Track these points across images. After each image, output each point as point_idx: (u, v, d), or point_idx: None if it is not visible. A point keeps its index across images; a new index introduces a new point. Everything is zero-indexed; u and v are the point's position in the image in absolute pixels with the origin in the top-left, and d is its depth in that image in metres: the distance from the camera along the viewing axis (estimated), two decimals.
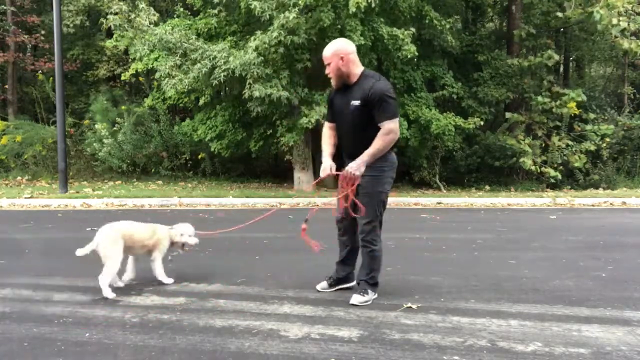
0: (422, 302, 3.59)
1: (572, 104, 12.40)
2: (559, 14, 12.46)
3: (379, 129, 3.45)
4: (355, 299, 3.54)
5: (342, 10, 9.71)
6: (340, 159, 3.72)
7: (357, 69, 3.53)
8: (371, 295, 3.60)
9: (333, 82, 3.60)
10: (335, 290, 3.82)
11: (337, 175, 3.58)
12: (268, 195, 10.40)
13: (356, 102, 3.46)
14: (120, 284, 3.94)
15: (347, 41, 3.65)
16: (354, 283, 3.82)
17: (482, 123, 12.30)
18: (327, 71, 3.57)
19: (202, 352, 2.77)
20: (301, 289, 3.89)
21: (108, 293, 3.65)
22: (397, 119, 3.50)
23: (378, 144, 3.43)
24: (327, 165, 3.59)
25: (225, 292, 3.84)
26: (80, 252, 3.66)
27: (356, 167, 3.44)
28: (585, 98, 12.59)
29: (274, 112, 10.98)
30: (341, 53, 3.47)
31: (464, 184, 12.90)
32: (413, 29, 10.55)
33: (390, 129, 3.42)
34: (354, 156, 3.50)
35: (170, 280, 4.04)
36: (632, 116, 14.47)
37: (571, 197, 10.46)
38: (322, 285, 3.84)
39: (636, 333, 3.06)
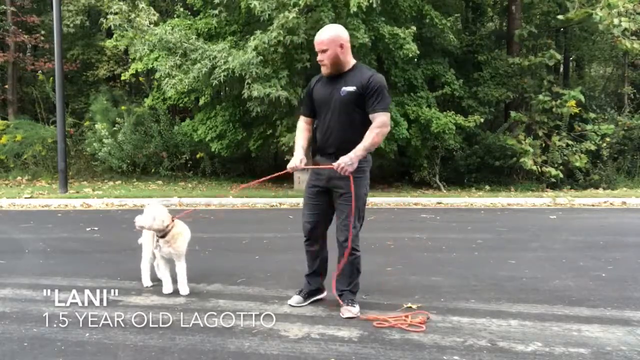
0: (422, 302, 3.58)
1: (572, 103, 12.38)
2: (560, 17, 12.33)
3: (364, 119, 3.29)
4: (347, 312, 3.31)
5: (342, 10, 9.71)
6: (314, 156, 3.50)
7: (351, 57, 3.38)
8: (357, 304, 3.40)
9: (326, 70, 3.34)
10: (309, 303, 3.57)
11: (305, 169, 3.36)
12: (268, 195, 10.40)
13: (350, 88, 3.27)
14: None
15: (342, 27, 3.40)
16: (325, 293, 3.63)
17: (482, 120, 12.30)
18: (320, 58, 3.30)
19: (202, 352, 2.77)
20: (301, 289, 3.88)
21: (145, 281, 3.97)
22: (389, 114, 3.38)
23: (372, 137, 3.23)
24: (298, 159, 3.33)
25: (225, 292, 3.84)
26: (141, 240, 4.07)
27: (350, 161, 3.17)
28: (583, 98, 12.58)
29: (273, 112, 10.98)
30: (340, 40, 3.28)
31: (464, 184, 12.88)
32: (414, 27, 10.54)
33: (384, 122, 3.27)
34: (333, 149, 3.31)
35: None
36: (632, 116, 14.45)
37: (571, 197, 10.45)
38: (297, 300, 3.54)
39: (636, 333, 3.06)
